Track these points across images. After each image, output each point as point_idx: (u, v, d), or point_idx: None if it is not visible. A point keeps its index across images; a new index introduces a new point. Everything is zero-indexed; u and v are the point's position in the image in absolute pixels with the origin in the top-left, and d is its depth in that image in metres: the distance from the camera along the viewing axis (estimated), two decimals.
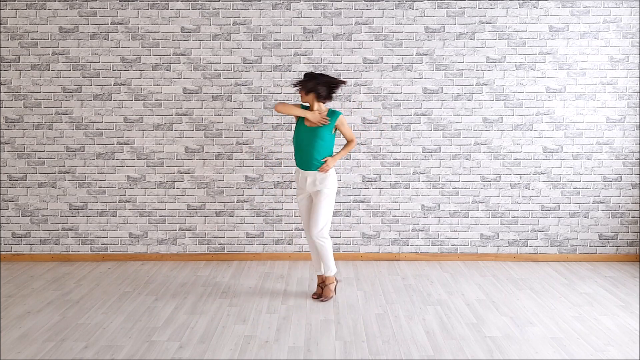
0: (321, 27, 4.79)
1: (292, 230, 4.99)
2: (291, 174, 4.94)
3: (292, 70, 4.82)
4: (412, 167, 4.93)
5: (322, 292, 4.08)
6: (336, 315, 3.76)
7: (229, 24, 4.78)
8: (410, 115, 4.88)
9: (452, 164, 4.92)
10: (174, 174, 4.93)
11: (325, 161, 3.86)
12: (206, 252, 5.01)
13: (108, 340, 3.39)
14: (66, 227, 4.98)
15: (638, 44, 4.79)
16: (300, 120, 3.94)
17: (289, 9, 4.76)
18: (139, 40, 4.79)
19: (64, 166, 4.92)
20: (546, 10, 4.77)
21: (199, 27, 4.79)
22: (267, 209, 4.96)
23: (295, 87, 3.90)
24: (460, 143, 4.90)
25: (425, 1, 4.77)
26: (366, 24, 4.78)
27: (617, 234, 4.98)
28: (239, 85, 4.84)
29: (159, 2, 4.76)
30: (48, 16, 4.77)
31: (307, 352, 3.24)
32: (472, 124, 4.89)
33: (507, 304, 3.98)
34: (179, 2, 4.76)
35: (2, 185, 4.93)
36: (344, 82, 3.89)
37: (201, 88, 4.84)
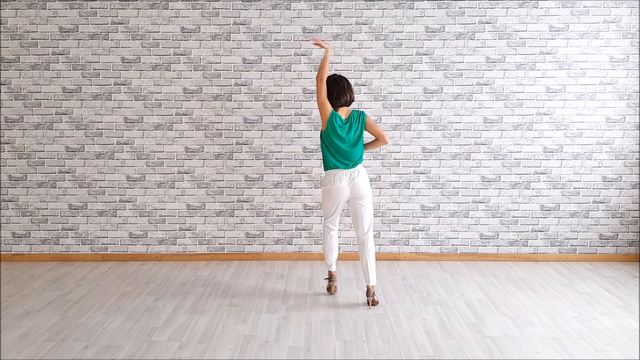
0: (321, 27, 4.79)
1: (292, 230, 4.99)
2: (291, 174, 4.94)
3: (292, 70, 4.82)
4: (412, 167, 4.93)
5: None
6: (336, 315, 3.76)
7: (229, 24, 4.78)
8: (410, 115, 4.88)
9: (452, 164, 4.92)
10: (174, 174, 4.94)
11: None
12: (206, 252, 5.01)
13: (108, 340, 3.39)
14: (66, 227, 4.98)
15: (638, 44, 4.79)
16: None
17: (289, 9, 4.76)
18: (139, 40, 4.79)
19: (64, 166, 4.92)
20: (546, 10, 4.77)
21: (199, 27, 4.79)
22: (267, 209, 4.96)
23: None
24: (460, 143, 4.90)
25: (425, 1, 4.77)
26: (366, 24, 4.78)
27: (617, 234, 4.98)
28: (239, 85, 4.84)
29: (159, 2, 4.76)
30: (48, 16, 4.78)
31: (307, 352, 3.24)
32: (472, 124, 4.89)
33: (507, 304, 3.98)
34: (179, 2, 4.76)
35: (2, 185, 4.93)
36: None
37: (201, 88, 4.85)
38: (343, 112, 3.92)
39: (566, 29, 4.79)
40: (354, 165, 3.89)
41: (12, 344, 3.34)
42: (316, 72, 4.80)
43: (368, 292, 3.96)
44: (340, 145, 3.86)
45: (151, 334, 3.47)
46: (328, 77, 3.93)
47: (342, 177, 3.88)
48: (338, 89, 3.87)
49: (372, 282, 3.94)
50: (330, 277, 4.20)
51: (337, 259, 5.00)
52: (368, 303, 3.96)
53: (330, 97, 3.88)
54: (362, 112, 3.93)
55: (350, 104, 3.96)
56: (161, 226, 4.98)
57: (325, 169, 3.95)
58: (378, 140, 3.98)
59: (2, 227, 4.97)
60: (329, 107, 3.87)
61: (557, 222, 4.97)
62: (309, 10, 4.77)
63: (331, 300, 4.05)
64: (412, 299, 4.06)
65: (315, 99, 4.84)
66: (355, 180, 3.88)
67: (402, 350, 3.25)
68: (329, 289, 4.18)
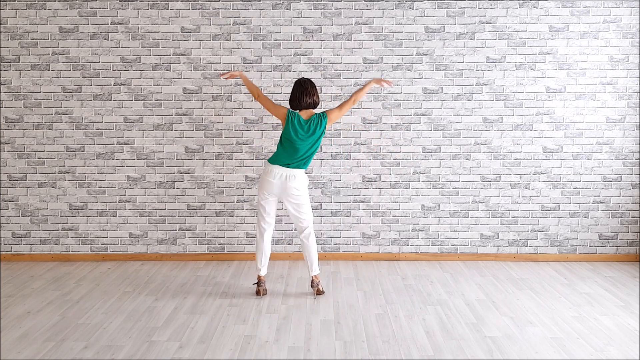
0: (321, 27, 4.79)
1: (292, 230, 4.99)
2: None
3: (292, 70, 4.82)
4: (412, 167, 4.93)
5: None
6: (336, 315, 3.76)
7: (229, 24, 4.78)
8: (410, 115, 4.88)
9: (452, 164, 4.92)
10: (174, 174, 4.94)
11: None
12: (206, 252, 5.01)
13: (108, 340, 3.39)
14: (66, 227, 4.98)
15: (638, 44, 4.79)
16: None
17: (289, 9, 4.76)
18: (139, 40, 4.79)
19: (64, 166, 4.92)
20: (546, 10, 4.77)
21: (199, 27, 4.79)
22: None
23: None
24: (460, 143, 4.90)
25: (425, 1, 4.77)
26: (366, 24, 4.78)
27: (617, 234, 4.98)
28: (238, 85, 4.84)
29: (159, 2, 4.76)
30: (48, 16, 4.78)
31: (307, 352, 3.24)
32: (472, 124, 4.89)
33: (507, 304, 3.98)
34: (179, 2, 4.76)
35: (2, 185, 4.93)
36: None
37: (201, 88, 4.84)
38: (304, 114, 3.98)
39: (566, 29, 4.79)
40: (293, 167, 3.94)
41: (12, 344, 3.34)
42: (315, 72, 4.81)
43: (312, 283, 4.10)
44: (296, 144, 3.92)
45: (151, 334, 3.47)
46: (295, 81, 4.02)
47: (276, 175, 3.94)
48: (300, 92, 3.93)
49: (315, 271, 4.10)
50: (259, 282, 4.12)
51: (337, 259, 5.00)
52: (314, 293, 4.10)
53: (293, 99, 3.96)
54: (323, 112, 3.99)
55: (315, 107, 4.00)
56: (161, 226, 4.98)
57: (269, 160, 4.01)
58: (349, 102, 4.01)
59: (2, 227, 4.97)
60: (281, 109, 3.98)
61: (557, 222, 4.97)
62: (309, 10, 4.77)
63: (331, 300, 4.05)
64: (412, 299, 4.06)
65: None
66: (288, 184, 3.93)
67: (402, 350, 3.25)
68: (257, 292, 4.11)
